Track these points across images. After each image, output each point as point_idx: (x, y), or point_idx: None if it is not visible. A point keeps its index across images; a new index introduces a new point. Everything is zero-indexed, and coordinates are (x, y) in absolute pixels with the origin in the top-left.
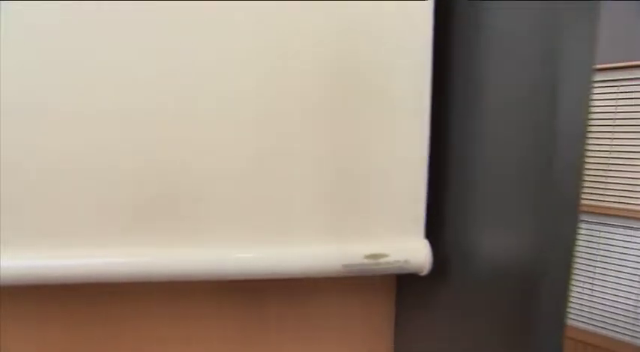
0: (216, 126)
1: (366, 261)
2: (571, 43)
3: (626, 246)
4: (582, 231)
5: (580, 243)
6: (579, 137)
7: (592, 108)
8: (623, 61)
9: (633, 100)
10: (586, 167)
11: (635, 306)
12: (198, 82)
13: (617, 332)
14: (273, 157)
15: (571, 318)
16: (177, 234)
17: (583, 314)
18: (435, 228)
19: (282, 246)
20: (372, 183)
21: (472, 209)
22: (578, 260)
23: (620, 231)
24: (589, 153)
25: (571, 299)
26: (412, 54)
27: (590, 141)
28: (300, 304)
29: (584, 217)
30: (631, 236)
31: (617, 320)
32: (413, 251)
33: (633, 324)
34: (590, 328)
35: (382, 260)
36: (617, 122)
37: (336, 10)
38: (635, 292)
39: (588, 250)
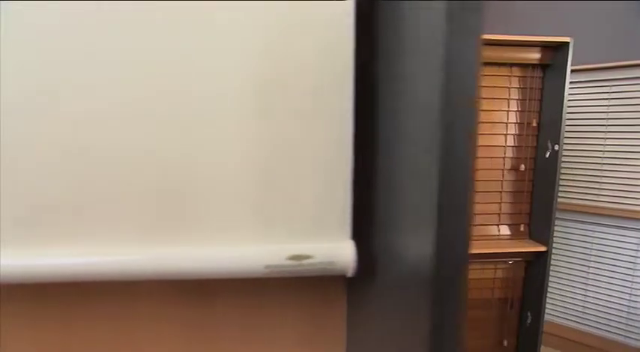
0: (140, 126)
1: (288, 262)
2: (457, 44)
3: (619, 246)
4: (576, 231)
5: (574, 243)
6: (468, 138)
7: (585, 108)
8: (616, 61)
9: (626, 100)
10: (580, 167)
11: (628, 306)
12: (121, 84)
13: (610, 332)
14: (193, 155)
15: (565, 318)
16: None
17: (576, 314)
18: (364, 229)
19: (204, 246)
20: (296, 184)
21: (392, 210)
22: (572, 260)
23: (614, 230)
24: (583, 154)
25: (565, 299)
26: (334, 54)
27: (584, 142)
28: (250, 304)
29: (578, 217)
30: (625, 236)
31: (610, 320)
32: (337, 252)
33: (626, 324)
34: (584, 328)
35: (305, 261)
36: (610, 122)
37: (255, 11)
38: (629, 292)
39: (582, 250)
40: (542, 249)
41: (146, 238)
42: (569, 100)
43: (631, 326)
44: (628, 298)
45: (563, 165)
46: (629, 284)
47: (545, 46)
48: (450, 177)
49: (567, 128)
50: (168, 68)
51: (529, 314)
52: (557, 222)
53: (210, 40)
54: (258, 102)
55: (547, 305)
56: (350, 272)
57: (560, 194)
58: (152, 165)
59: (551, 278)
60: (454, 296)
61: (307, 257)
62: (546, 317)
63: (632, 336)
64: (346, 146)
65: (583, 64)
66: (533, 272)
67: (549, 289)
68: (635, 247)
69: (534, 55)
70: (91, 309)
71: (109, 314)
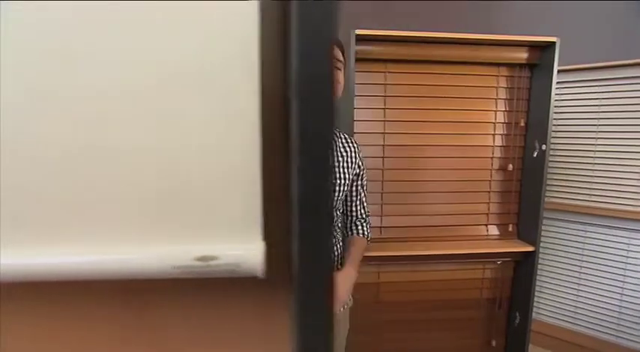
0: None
1: (195, 263)
2: (305, 44)
3: (611, 245)
4: (568, 231)
5: (566, 242)
6: (322, 139)
7: (576, 108)
8: (608, 61)
9: (617, 100)
10: (571, 167)
11: (620, 306)
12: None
13: (602, 332)
14: (100, 154)
15: (557, 318)
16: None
17: (568, 314)
18: (283, 230)
19: (110, 246)
20: (204, 183)
21: (291, 212)
22: (565, 260)
23: (606, 230)
24: (574, 154)
25: (557, 299)
26: (239, 55)
27: (576, 142)
28: (193, 305)
29: (570, 217)
30: (616, 236)
31: (602, 320)
32: (245, 253)
33: (618, 324)
34: (576, 328)
35: (212, 262)
36: (602, 122)
37: (154, 11)
38: (620, 292)
39: (574, 250)
40: (531, 249)
41: (48, 239)
42: (560, 100)
43: (623, 326)
44: (619, 298)
45: (555, 165)
46: (620, 284)
47: (532, 46)
48: (306, 180)
49: (559, 128)
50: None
51: (517, 314)
52: (549, 222)
53: (116, 39)
54: (162, 102)
55: (539, 305)
56: (259, 274)
57: (552, 194)
58: (50, 161)
59: (543, 278)
60: (314, 301)
61: (213, 258)
62: (538, 317)
63: (624, 336)
64: (254, 145)
65: (575, 63)
66: (522, 272)
67: (541, 289)
68: (626, 247)
69: (522, 55)
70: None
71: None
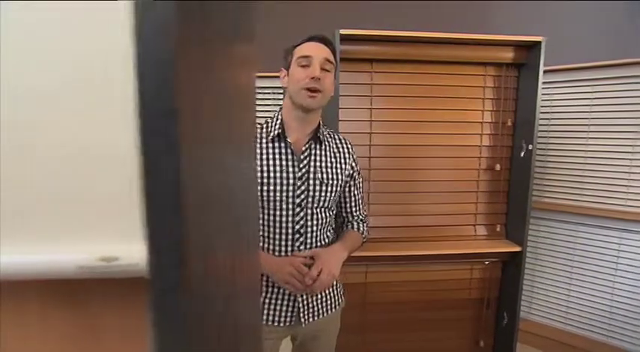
0: None
1: (99, 263)
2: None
3: (602, 245)
4: (560, 231)
5: (558, 242)
6: (166, 149)
7: (568, 107)
8: (600, 61)
9: (609, 100)
10: (563, 167)
11: (611, 306)
12: None
13: (594, 332)
14: None
15: (548, 318)
16: None
17: (560, 314)
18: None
19: (11, 246)
20: (104, 183)
21: None
22: (556, 259)
23: (597, 230)
24: (566, 154)
25: (548, 299)
26: (112, 53)
27: (568, 141)
28: (129, 306)
29: (561, 217)
30: (607, 236)
31: (594, 320)
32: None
33: (609, 324)
34: (567, 328)
35: (114, 263)
36: (593, 122)
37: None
38: (610, 292)
39: (565, 250)
40: (518, 249)
41: None
42: (551, 100)
43: (614, 326)
44: (610, 298)
45: (546, 165)
46: (611, 284)
47: (519, 46)
48: (146, 182)
49: (550, 128)
50: None
51: (505, 314)
52: (540, 222)
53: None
54: (53, 98)
55: (531, 305)
56: None
57: (543, 194)
58: None
59: (534, 278)
60: (168, 300)
61: (115, 259)
62: (530, 317)
63: (615, 336)
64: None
65: (568, 63)
66: (510, 272)
67: (533, 289)
68: (617, 247)
69: (508, 54)
70: None
71: None
